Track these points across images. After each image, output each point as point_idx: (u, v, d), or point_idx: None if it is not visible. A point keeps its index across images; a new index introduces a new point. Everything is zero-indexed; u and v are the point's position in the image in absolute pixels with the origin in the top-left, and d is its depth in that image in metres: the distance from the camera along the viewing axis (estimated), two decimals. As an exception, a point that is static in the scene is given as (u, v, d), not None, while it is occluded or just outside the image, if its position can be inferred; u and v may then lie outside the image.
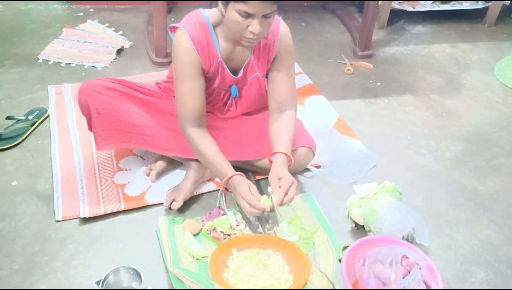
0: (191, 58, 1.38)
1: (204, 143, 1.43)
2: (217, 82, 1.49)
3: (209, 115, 1.59)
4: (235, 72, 1.50)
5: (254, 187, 1.37)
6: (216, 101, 1.58)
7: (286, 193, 1.34)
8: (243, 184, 1.36)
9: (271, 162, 1.43)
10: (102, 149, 1.52)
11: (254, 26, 1.27)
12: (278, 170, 1.38)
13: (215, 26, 1.41)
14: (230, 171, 1.39)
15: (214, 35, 1.41)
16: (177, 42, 1.39)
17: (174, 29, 1.42)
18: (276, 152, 1.42)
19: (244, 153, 1.61)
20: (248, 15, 1.26)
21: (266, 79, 1.57)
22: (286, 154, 1.42)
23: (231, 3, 1.27)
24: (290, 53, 1.51)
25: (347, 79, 2.39)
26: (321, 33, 2.85)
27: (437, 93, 2.32)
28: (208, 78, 1.48)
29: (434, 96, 2.30)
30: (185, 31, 1.37)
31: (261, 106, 1.69)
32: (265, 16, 1.27)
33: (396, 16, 3.02)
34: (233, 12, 1.27)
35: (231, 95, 1.56)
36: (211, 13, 1.41)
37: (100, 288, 1.18)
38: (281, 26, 1.47)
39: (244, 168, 1.65)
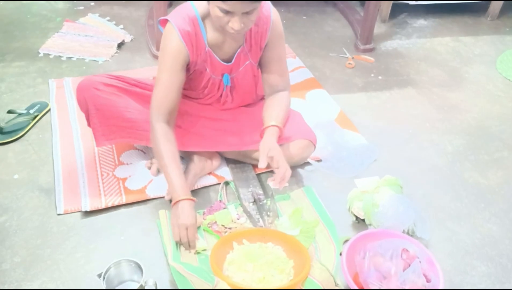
0: (178, 49, 1.39)
1: (167, 146, 1.39)
2: (208, 71, 1.49)
3: (208, 107, 1.61)
4: (228, 61, 1.51)
5: (195, 227, 1.34)
6: (212, 93, 1.58)
7: (281, 176, 1.40)
8: (190, 217, 1.32)
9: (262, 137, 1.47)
10: (102, 145, 1.53)
11: (234, 23, 1.28)
12: (267, 141, 1.44)
13: (204, 17, 1.42)
14: (183, 193, 1.35)
15: (202, 26, 1.41)
16: (166, 35, 1.41)
17: (163, 22, 1.43)
18: (267, 126, 1.47)
19: (244, 142, 1.60)
20: (227, 12, 1.27)
21: (259, 66, 1.58)
22: (276, 126, 1.46)
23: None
24: (281, 39, 1.53)
25: (348, 73, 2.38)
26: (322, 27, 2.83)
27: (439, 87, 2.31)
28: (198, 70, 1.48)
29: (436, 89, 2.29)
30: (174, 24, 1.38)
31: (258, 98, 1.70)
32: (246, 13, 1.27)
33: (398, 9, 3.01)
34: (214, 7, 1.28)
35: (225, 84, 1.56)
36: (200, 5, 1.42)
37: (101, 280, 1.18)
38: (272, 14, 1.48)
39: (244, 161, 1.65)
